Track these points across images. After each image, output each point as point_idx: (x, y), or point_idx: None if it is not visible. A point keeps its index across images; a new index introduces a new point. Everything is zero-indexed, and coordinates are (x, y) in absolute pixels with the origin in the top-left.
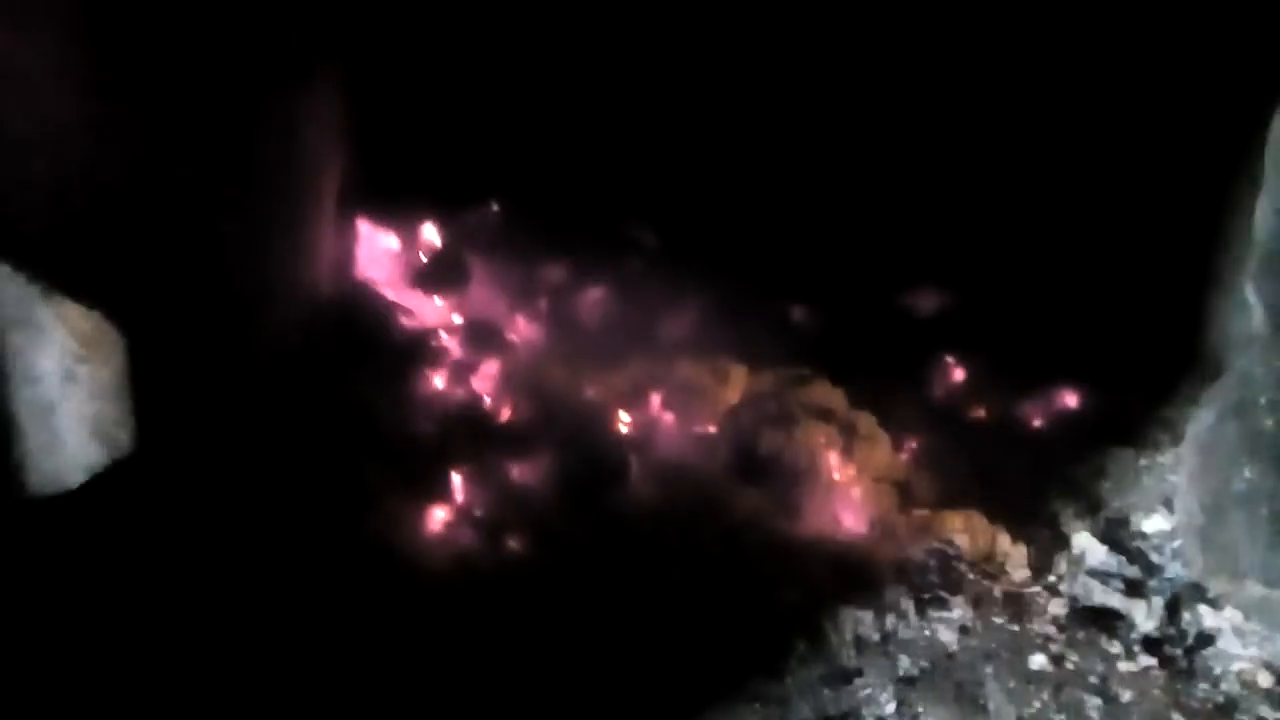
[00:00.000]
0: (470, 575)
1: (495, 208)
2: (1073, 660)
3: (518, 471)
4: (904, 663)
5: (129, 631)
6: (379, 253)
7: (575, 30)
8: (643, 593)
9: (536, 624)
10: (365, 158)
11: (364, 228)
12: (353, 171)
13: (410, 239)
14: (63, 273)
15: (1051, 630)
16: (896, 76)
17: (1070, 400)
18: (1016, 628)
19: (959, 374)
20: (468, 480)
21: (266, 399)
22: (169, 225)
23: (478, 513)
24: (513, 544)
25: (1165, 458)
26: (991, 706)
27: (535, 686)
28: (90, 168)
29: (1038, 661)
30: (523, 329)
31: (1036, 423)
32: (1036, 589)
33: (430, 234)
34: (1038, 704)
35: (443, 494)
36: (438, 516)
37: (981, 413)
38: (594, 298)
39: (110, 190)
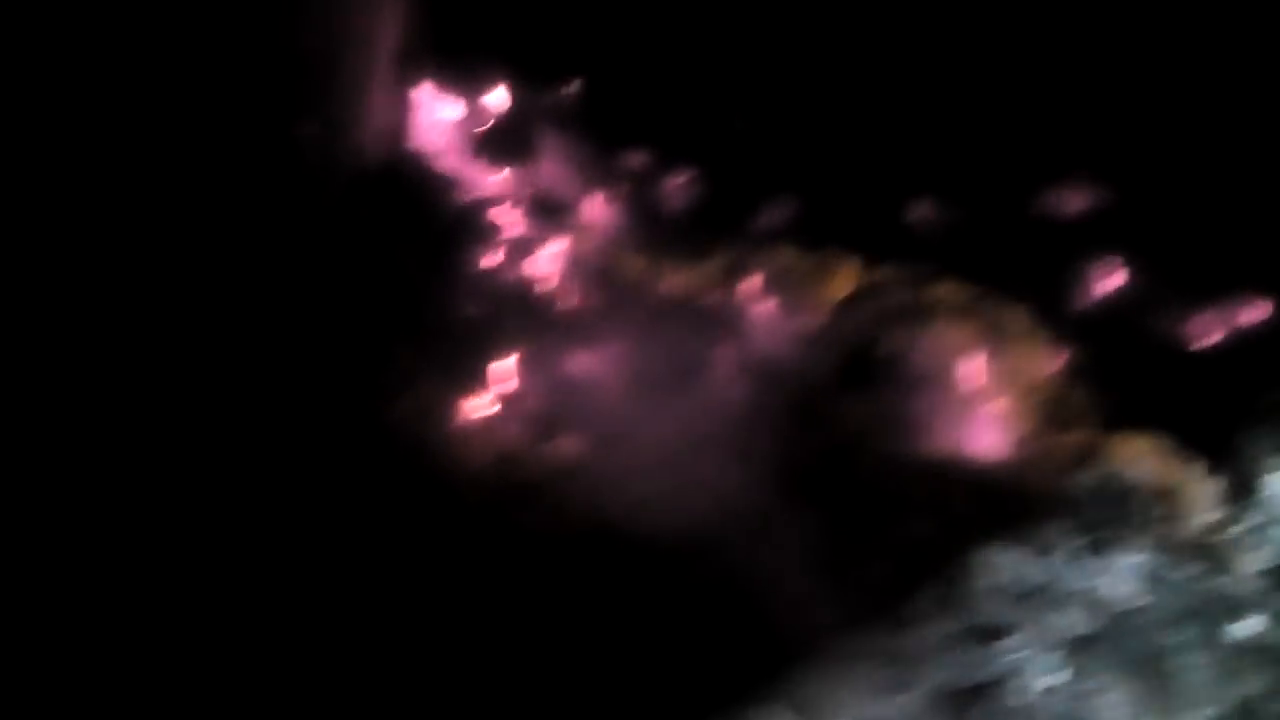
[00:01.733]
0: (513, 480)
1: (570, 81)
2: None
3: (579, 363)
4: (1073, 618)
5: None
6: (441, 120)
7: None
8: (725, 518)
9: (590, 545)
10: (432, 14)
11: (425, 92)
12: (413, 29)
13: (475, 106)
14: None
15: (1253, 591)
16: None
17: (1256, 313)
18: (1211, 584)
19: (1116, 278)
20: (519, 369)
21: (295, 257)
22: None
23: (528, 407)
24: (568, 445)
25: None
26: (1188, 684)
27: (588, 628)
28: None
29: (1245, 628)
30: (596, 211)
31: (1211, 337)
32: (1230, 536)
33: (500, 103)
34: (1255, 684)
35: (488, 384)
36: (477, 408)
37: (1144, 322)
38: (679, 181)
39: None
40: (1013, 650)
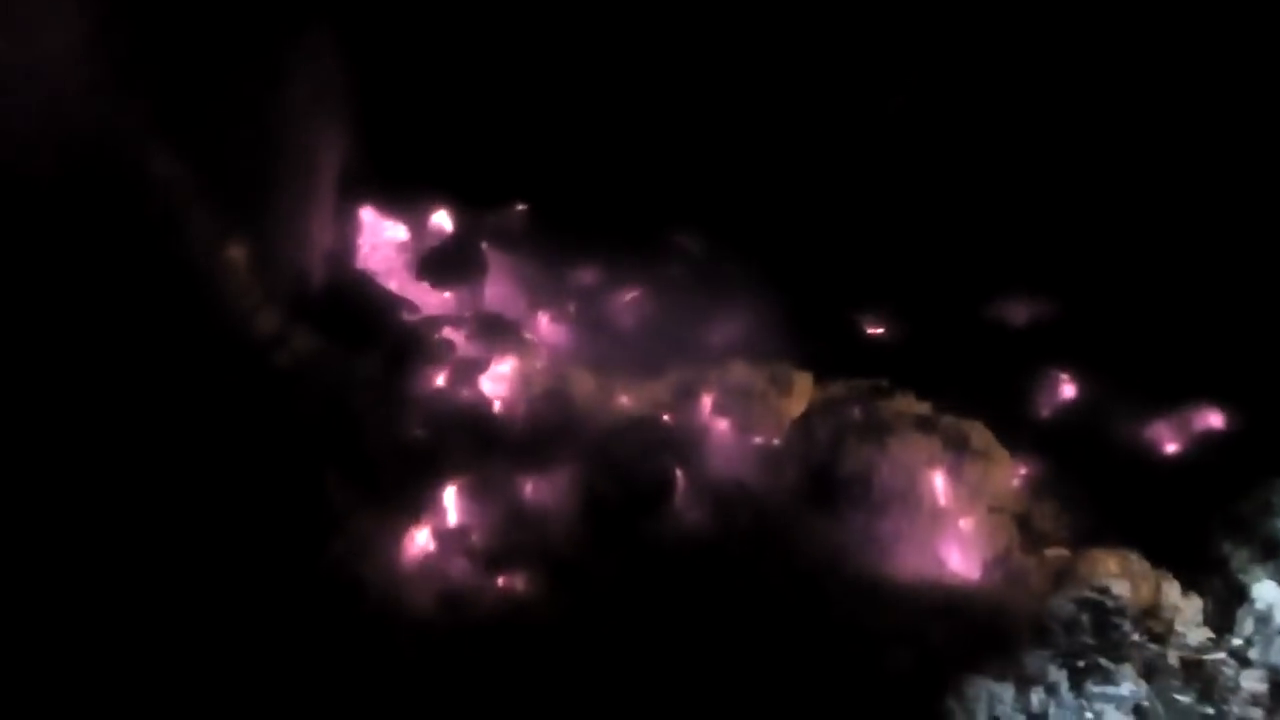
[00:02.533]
0: (458, 620)
1: (519, 205)
2: None
3: (529, 490)
4: None
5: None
6: (385, 242)
7: (612, 16)
8: (694, 653)
9: (548, 687)
10: (377, 140)
11: (369, 215)
12: (359, 154)
13: (421, 230)
14: None
15: (1256, 715)
16: (1011, 66)
17: (1211, 419)
18: (1210, 710)
19: (1073, 388)
20: (466, 497)
21: (234, 391)
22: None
23: (475, 539)
24: (519, 581)
25: None
26: None
27: None
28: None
29: None
30: (544, 330)
31: (1173, 446)
32: (1221, 655)
33: (443, 223)
34: None
35: (432, 515)
36: (421, 542)
37: (1107, 433)
38: (627, 300)
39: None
40: None
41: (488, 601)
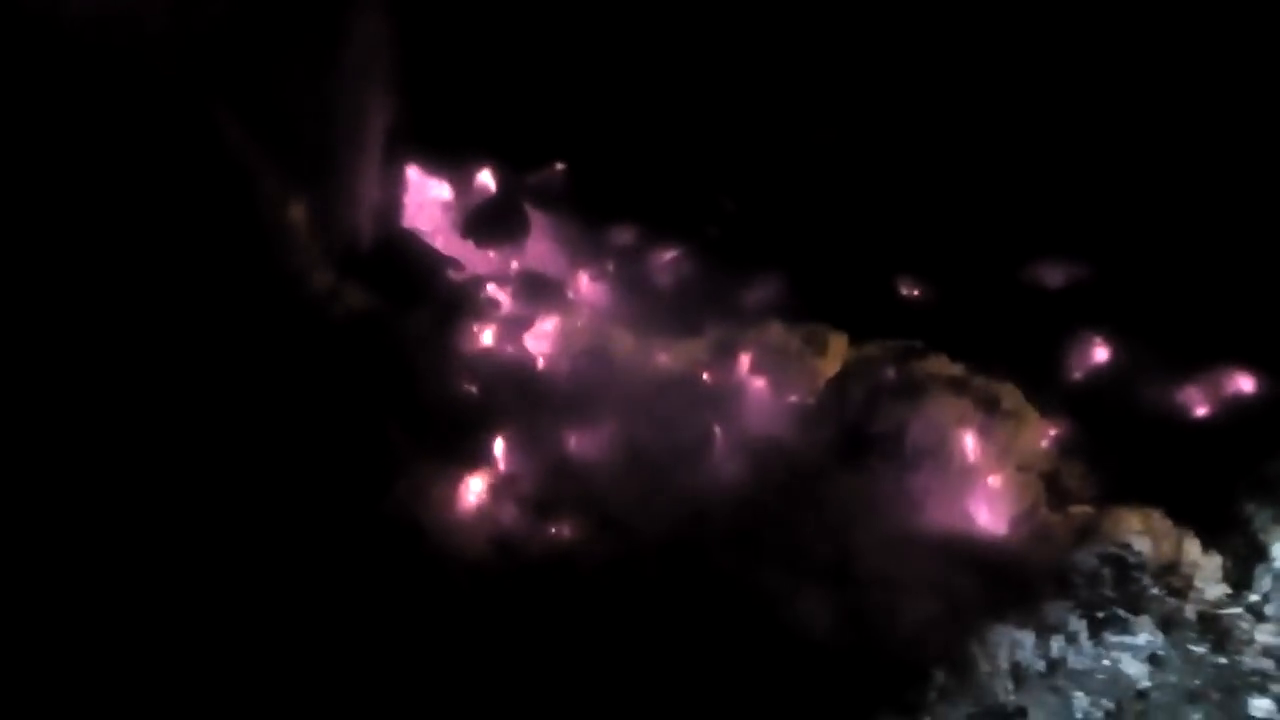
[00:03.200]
0: (510, 564)
1: (559, 162)
2: None
3: (575, 443)
4: (1081, 702)
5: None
6: (430, 201)
7: None
8: (727, 601)
9: (589, 632)
10: (420, 100)
11: (415, 174)
12: (406, 115)
13: (466, 188)
14: None
15: (1269, 665)
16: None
17: (1242, 383)
18: (1223, 660)
19: (1104, 351)
20: (514, 450)
21: (288, 340)
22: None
23: (524, 489)
24: (565, 529)
25: None
26: None
27: (580, 711)
28: None
29: (1261, 707)
30: (586, 289)
31: (1204, 409)
32: (1238, 610)
33: (487, 183)
34: None
35: (483, 465)
36: (474, 490)
37: (1134, 395)
38: (665, 260)
39: None
40: None
41: (536, 546)
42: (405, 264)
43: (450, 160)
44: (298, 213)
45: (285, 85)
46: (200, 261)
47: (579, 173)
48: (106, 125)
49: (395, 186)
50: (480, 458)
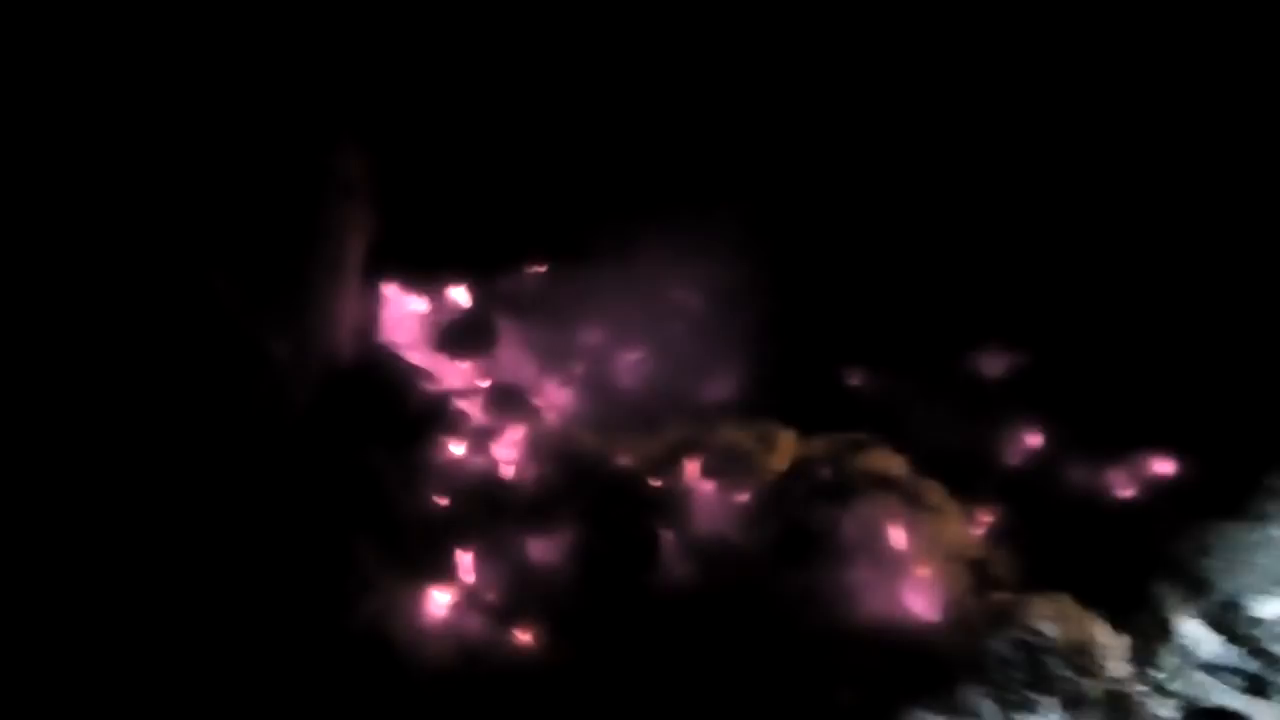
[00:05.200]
0: (477, 670)
1: (528, 271)
2: None
3: (537, 549)
4: None
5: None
6: (406, 316)
7: (608, 96)
8: (676, 690)
9: None
10: (392, 218)
11: (391, 291)
12: (381, 233)
13: (439, 302)
14: None
15: None
16: (968, 120)
17: (1162, 467)
18: None
19: (1035, 441)
20: (480, 559)
21: (262, 468)
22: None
23: (489, 597)
24: (527, 634)
25: (1277, 531)
26: None
27: None
28: None
29: None
30: (552, 394)
31: (1126, 493)
32: (1141, 688)
33: (459, 297)
34: None
35: (449, 575)
36: (441, 601)
37: (1063, 483)
38: (629, 361)
39: None
40: None
41: (501, 652)
42: (382, 380)
43: (425, 274)
44: (280, 348)
45: (270, 221)
46: (178, 400)
47: (548, 275)
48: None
49: (373, 303)
50: (447, 570)
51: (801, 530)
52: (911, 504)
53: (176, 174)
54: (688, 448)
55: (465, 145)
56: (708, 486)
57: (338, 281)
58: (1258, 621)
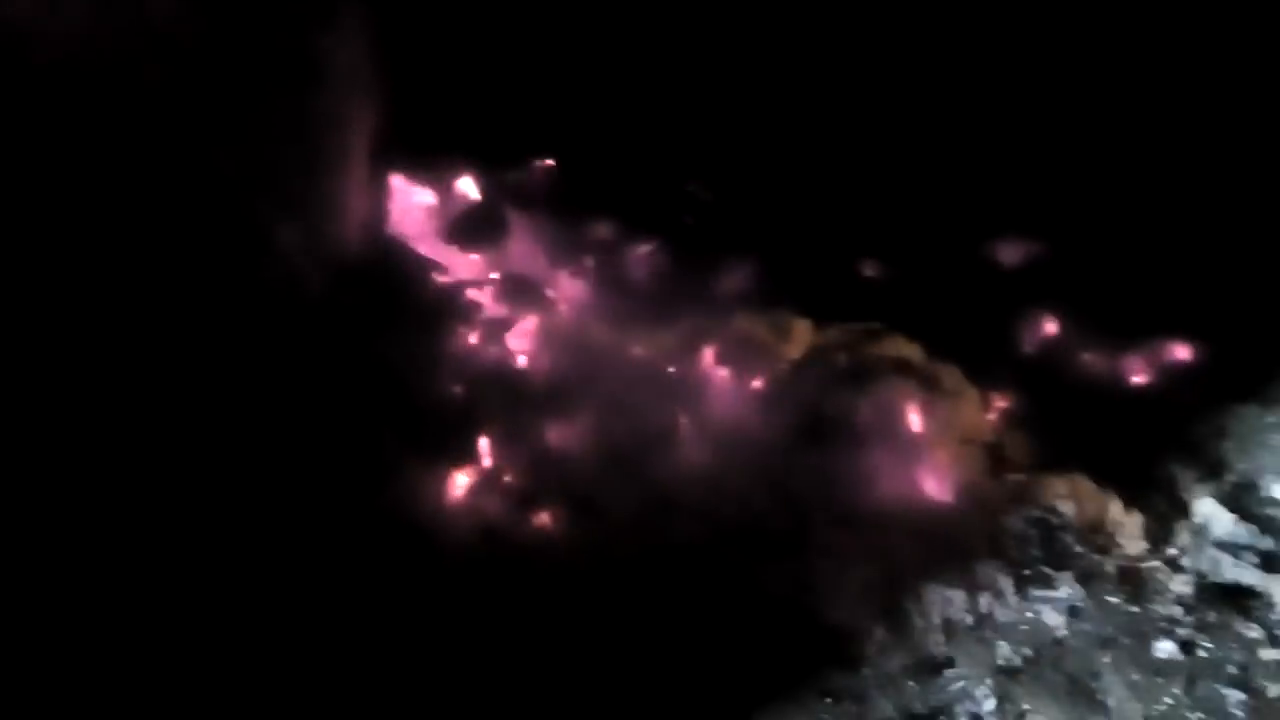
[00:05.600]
0: (497, 551)
1: (538, 162)
2: (1206, 647)
3: (555, 436)
4: (1004, 650)
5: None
6: (414, 208)
7: None
8: (694, 573)
9: (571, 607)
10: (401, 110)
11: (398, 182)
12: (387, 124)
13: (447, 194)
14: None
15: (1177, 611)
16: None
17: (1180, 353)
18: (1136, 609)
19: (1052, 327)
20: (498, 445)
21: (282, 355)
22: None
23: (508, 481)
24: (547, 517)
25: None
26: (1112, 703)
27: (566, 677)
28: None
29: (1164, 649)
30: (565, 286)
31: (1142, 378)
32: (1156, 563)
33: (468, 189)
34: (1168, 700)
35: (470, 460)
36: (463, 484)
37: (1080, 368)
38: (642, 254)
39: None
40: (955, 681)
41: (520, 534)
42: (392, 273)
43: (433, 165)
44: (288, 234)
45: (269, 105)
46: (193, 285)
47: (558, 169)
48: (89, 150)
49: (380, 196)
50: (466, 455)
51: (819, 415)
52: (928, 388)
53: (171, 58)
54: (702, 337)
55: (474, 32)
56: (724, 374)
57: (342, 171)
58: (1273, 501)
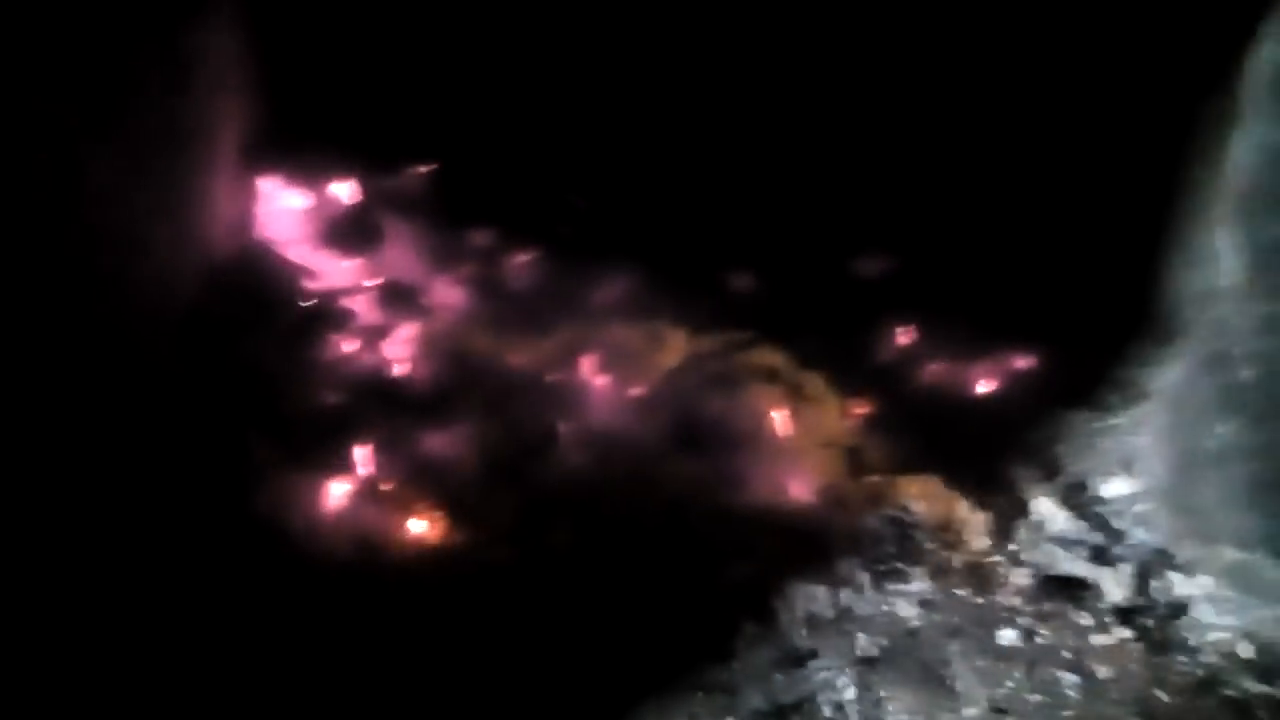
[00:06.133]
0: (373, 561)
1: (417, 167)
2: (1043, 634)
3: (433, 443)
4: (862, 641)
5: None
6: (285, 211)
7: None
8: (572, 575)
9: (450, 613)
10: (274, 110)
11: (268, 184)
12: (259, 125)
13: (322, 197)
14: None
15: (1018, 602)
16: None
17: (1021, 362)
18: (981, 600)
19: (907, 337)
20: (375, 452)
21: (147, 362)
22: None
23: (385, 489)
24: (424, 524)
25: (1121, 419)
26: (960, 687)
27: (446, 682)
28: None
29: (1007, 637)
30: (443, 293)
31: (988, 385)
32: (998, 558)
33: (343, 193)
34: (1010, 683)
35: (345, 468)
36: (338, 493)
37: (932, 376)
38: (520, 262)
39: None
40: (818, 671)
41: (398, 543)
42: (261, 277)
43: (307, 168)
44: (161, 236)
45: (136, 103)
46: (61, 289)
47: (436, 174)
48: None
49: (251, 198)
50: (342, 463)
51: (693, 420)
52: (793, 395)
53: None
54: (580, 346)
55: (351, 30)
56: (602, 382)
57: (212, 172)
58: (1102, 500)
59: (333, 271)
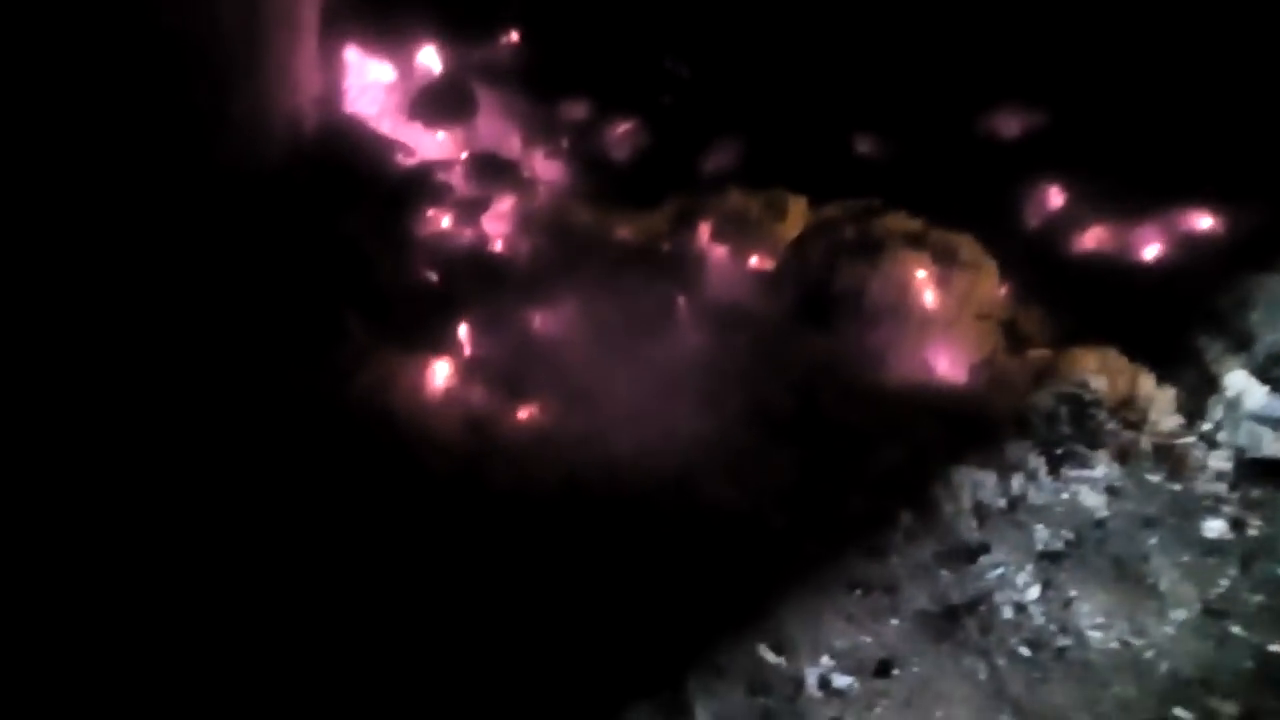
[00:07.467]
0: (484, 441)
1: (507, 33)
2: (1255, 525)
3: (540, 321)
4: (1042, 534)
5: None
6: (372, 84)
7: None
8: (699, 463)
9: (562, 499)
10: None
11: (354, 55)
12: None
13: (408, 68)
14: None
15: (1220, 489)
16: None
17: (1196, 221)
18: (1177, 487)
19: (1059, 197)
20: (480, 333)
21: (234, 235)
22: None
23: (491, 370)
24: (537, 409)
25: None
26: (1164, 586)
27: (563, 576)
28: None
29: (1214, 528)
30: (541, 166)
31: (1158, 248)
32: (1191, 439)
33: (430, 62)
34: (1224, 581)
35: (448, 347)
36: (442, 374)
37: (1092, 240)
38: (620, 133)
39: None
40: (991, 568)
41: (508, 424)
42: (352, 152)
43: (392, 39)
44: (239, 106)
45: None
46: (141, 156)
47: (528, 45)
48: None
49: (335, 70)
50: (445, 342)
51: (825, 292)
52: (943, 261)
53: None
54: (692, 217)
55: None
56: (720, 251)
57: (293, 40)
58: None
59: (424, 144)
